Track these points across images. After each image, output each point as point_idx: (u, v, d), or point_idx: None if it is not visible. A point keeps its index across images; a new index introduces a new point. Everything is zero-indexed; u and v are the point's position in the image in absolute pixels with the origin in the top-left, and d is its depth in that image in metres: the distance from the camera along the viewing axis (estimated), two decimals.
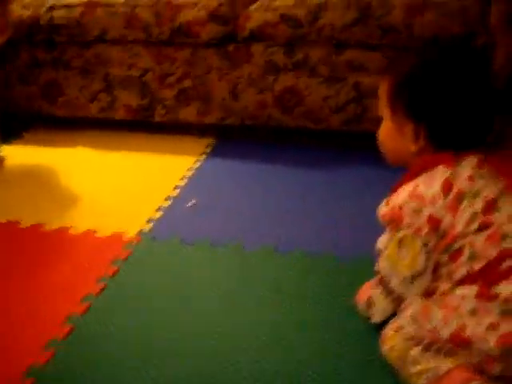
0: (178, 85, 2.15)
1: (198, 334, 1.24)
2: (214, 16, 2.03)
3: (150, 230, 1.64)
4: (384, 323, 1.15)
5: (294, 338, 1.22)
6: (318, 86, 2.02)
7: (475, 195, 1.02)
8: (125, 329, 1.26)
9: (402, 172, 1.11)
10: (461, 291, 1.01)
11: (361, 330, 1.22)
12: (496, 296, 0.98)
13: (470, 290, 1.00)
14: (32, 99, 2.31)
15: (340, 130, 2.08)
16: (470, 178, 1.03)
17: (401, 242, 1.07)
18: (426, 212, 1.03)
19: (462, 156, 1.06)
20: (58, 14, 2.15)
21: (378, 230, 1.18)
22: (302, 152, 2.10)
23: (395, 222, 1.07)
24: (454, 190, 1.03)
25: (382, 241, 1.17)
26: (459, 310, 1.00)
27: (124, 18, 2.09)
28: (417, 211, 1.04)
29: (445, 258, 1.03)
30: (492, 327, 0.97)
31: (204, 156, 2.10)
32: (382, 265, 1.13)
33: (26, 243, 1.61)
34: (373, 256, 1.20)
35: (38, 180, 1.98)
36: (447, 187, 1.03)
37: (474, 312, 0.99)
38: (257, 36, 2.01)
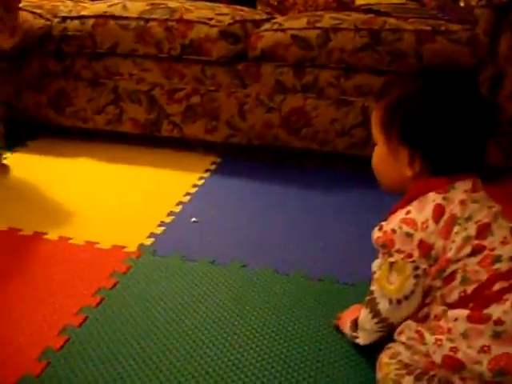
0: (186, 101, 2.16)
1: (194, 351, 1.23)
2: (225, 34, 2.04)
3: (151, 245, 1.64)
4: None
5: (292, 358, 1.21)
6: (326, 109, 2.03)
7: (467, 219, 1.02)
8: (120, 342, 1.25)
9: (401, 197, 1.12)
10: (453, 314, 1.00)
11: (354, 353, 1.22)
12: (488, 318, 0.97)
13: (462, 313, 0.99)
14: (40, 108, 2.32)
15: (345, 153, 2.09)
16: (463, 202, 1.03)
17: (392, 267, 1.07)
18: (417, 237, 1.03)
19: (456, 180, 1.05)
20: (70, 25, 2.18)
21: (377, 254, 1.18)
22: (306, 173, 2.11)
23: (387, 246, 1.07)
24: (446, 215, 1.02)
25: (375, 264, 1.17)
26: (451, 332, 0.99)
27: (136, 32, 2.11)
28: (408, 236, 1.04)
29: (438, 282, 1.03)
30: (484, 350, 0.96)
31: (208, 173, 2.11)
32: (373, 288, 1.14)
33: (27, 251, 1.60)
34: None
35: (41, 189, 1.98)
36: (439, 212, 1.03)
37: (466, 335, 0.98)
38: (267, 56, 2.02)
